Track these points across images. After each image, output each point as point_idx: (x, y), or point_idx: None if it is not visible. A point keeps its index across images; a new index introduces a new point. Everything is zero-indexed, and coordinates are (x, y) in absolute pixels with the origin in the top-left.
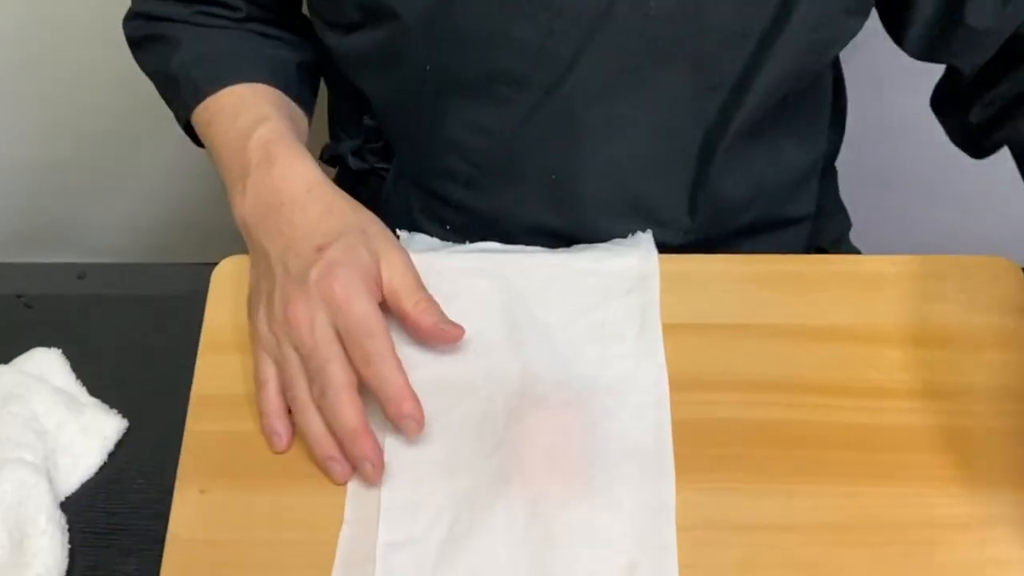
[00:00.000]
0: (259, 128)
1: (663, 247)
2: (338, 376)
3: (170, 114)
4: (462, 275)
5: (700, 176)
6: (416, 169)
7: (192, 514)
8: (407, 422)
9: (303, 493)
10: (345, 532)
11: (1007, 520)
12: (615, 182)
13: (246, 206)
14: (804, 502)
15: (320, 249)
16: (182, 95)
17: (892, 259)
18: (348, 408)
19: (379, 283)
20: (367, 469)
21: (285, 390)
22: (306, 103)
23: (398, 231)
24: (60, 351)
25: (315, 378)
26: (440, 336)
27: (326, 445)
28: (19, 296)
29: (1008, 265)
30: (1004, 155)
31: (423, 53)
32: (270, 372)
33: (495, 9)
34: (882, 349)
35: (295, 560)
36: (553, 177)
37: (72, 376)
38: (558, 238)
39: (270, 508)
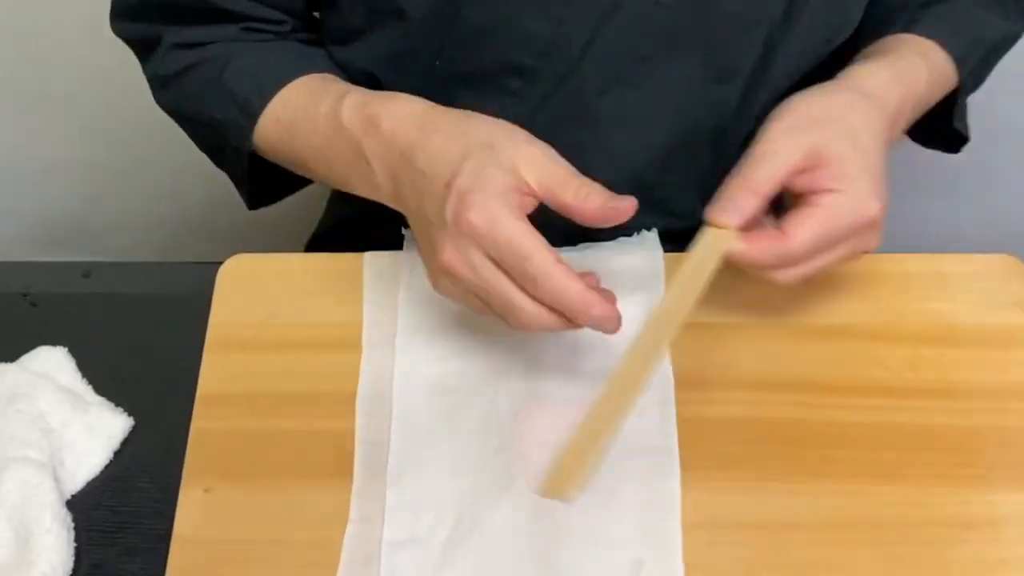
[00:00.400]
0: (344, 104)
1: (676, 238)
2: (525, 304)
3: None
4: None
5: (713, 167)
6: None
7: (197, 513)
8: (606, 323)
9: (308, 492)
10: (350, 531)
11: (1014, 519)
12: (627, 173)
13: (378, 177)
14: (810, 501)
15: (448, 184)
16: (244, 108)
17: (900, 257)
18: (560, 287)
19: (526, 191)
20: (611, 324)
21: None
22: None
23: (404, 230)
24: (66, 350)
25: (493, 307)
26: (612, 215)
27: (557, 321)
28: (25, 295)
29: (1017, 264)
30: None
31: (431, 50)
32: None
33: (504, 2)
34: (890, 347)
35: (300, 559)
36: None
37: (78, 375)
38: (570, 230)
39: (275, 507)
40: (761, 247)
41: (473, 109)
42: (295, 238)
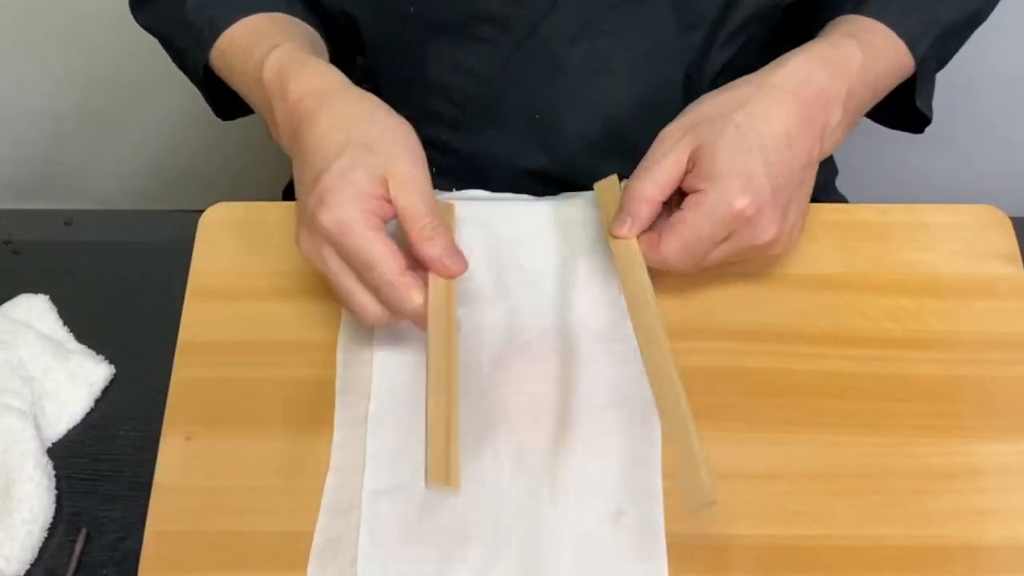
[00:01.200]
0: (271, 55)
1: None
2: (365, 302)
3: (159, 61)
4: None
5: None
6: (403, 112)
7: (178, 460)
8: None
9: (289, 440)
10: (331, 479)
11: (996, 469)
12: (599, 121)
13: (281, 137)
14: (790, 450)
15: (316, 179)
16: (197, 39)
17: (880, 207)
18: (396, 298)
19: (385, 200)
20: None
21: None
22: (325, 31)
23: None
24: (47, 297)
25: (346, 304)
26: (441, 270)
27: (393, 320)
28: (7, 242)
29: (999, 215)
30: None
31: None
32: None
33: None
34: (870, 298)
35: (281, 506)
36: (537, 117)
37: (59, 322)
38: (544, 178)
39: (256, 455)
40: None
41: (446, 57)
42: (277, 186)
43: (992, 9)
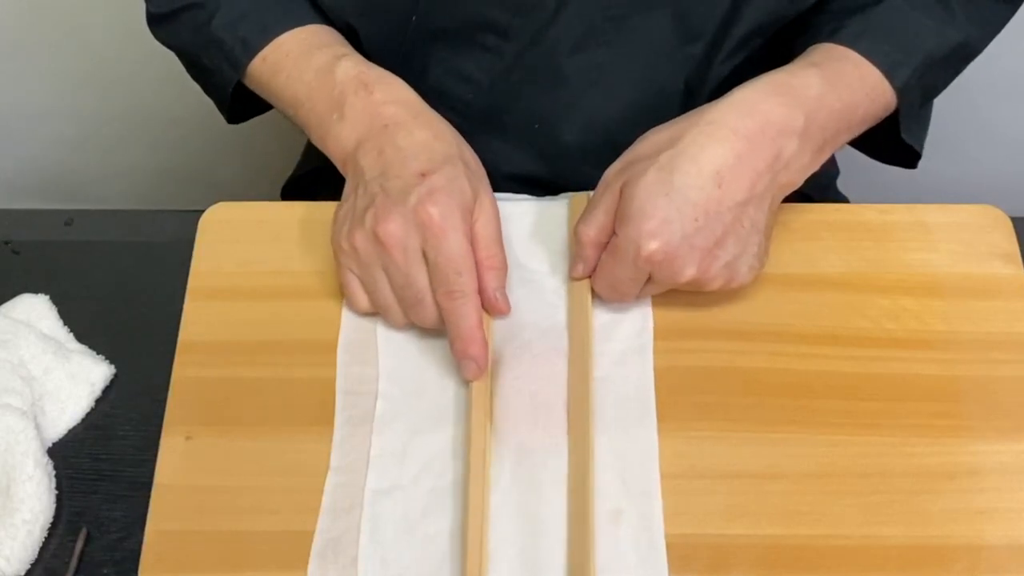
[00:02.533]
0: (342, 62)
1: None
2: (430, 300)
3: (160, 61)
4: None
5: None
6: None
7: (178, 460)
8: (468, 363)
9: (289, 440)
10: (331, 479)
11: (995, 469)
12: (598, 130)
13: (344, 130)
14: (790, 450)
15: (424, 175)
16: (228, 56)
17: (880, 207)
18: (463, 311)
19: (471, 218)
20: (472, 369)
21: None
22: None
23: None
24: (48, 297)
25: (403, 295)
26: (490, 301)
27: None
28: (7, 242)
29: (1000, 215)
30: (995, 105)
31: (408, 6)
32: (355, 285)
33: None
34: (871, 297)
35: (281, 506)
36: (536, 126)
37: (59, 322)
38: (542, 186)
39: (256, 455)
40: None
41: (447, 64)
42: (277, 186)
43: (986, 43)
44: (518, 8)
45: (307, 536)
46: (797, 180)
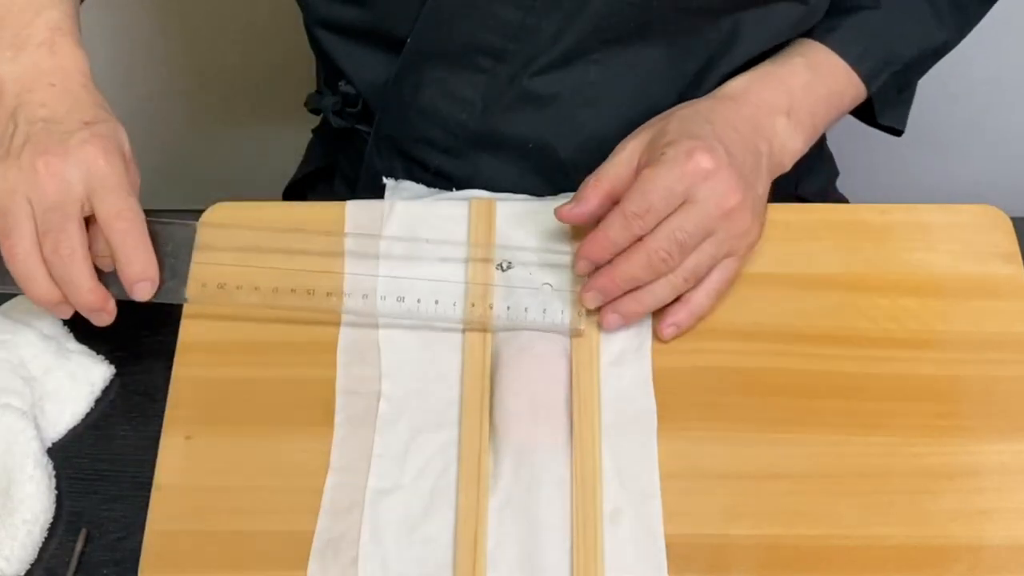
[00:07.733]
0: (50, 11)
1: None
2: (76, 236)
3: (160, 62)
4: (446, 222)
5: None
6: (395, 134)
7: (178, 460)
8: (143, 285)
9: (289, 440)
10: (331, 479)
11: (996, 469)
12: (592, 148)
13: (9, 72)
14: (791, 450)
15: (88, 124)
16: None
17: (880, 207)
18: (85, 269)
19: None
20: (103, 319)
21: (2, 238)
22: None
23: (385, 179)
24: None
25: (49, 232)
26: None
27: (53, 294)
28: None
29: (1000, 215)
30: (995, 105)
31: (403, 29)
32: None
33: None
34: (871, 298)
35: (281, 506)
36: (530, 146)
37: (59, 322)
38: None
39: (256, 454)
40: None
41: (441, 85)
42: (277, 186)
43: (961, 40)
44: (515, 33)
45: (307, 536)
46: (787, 161)
